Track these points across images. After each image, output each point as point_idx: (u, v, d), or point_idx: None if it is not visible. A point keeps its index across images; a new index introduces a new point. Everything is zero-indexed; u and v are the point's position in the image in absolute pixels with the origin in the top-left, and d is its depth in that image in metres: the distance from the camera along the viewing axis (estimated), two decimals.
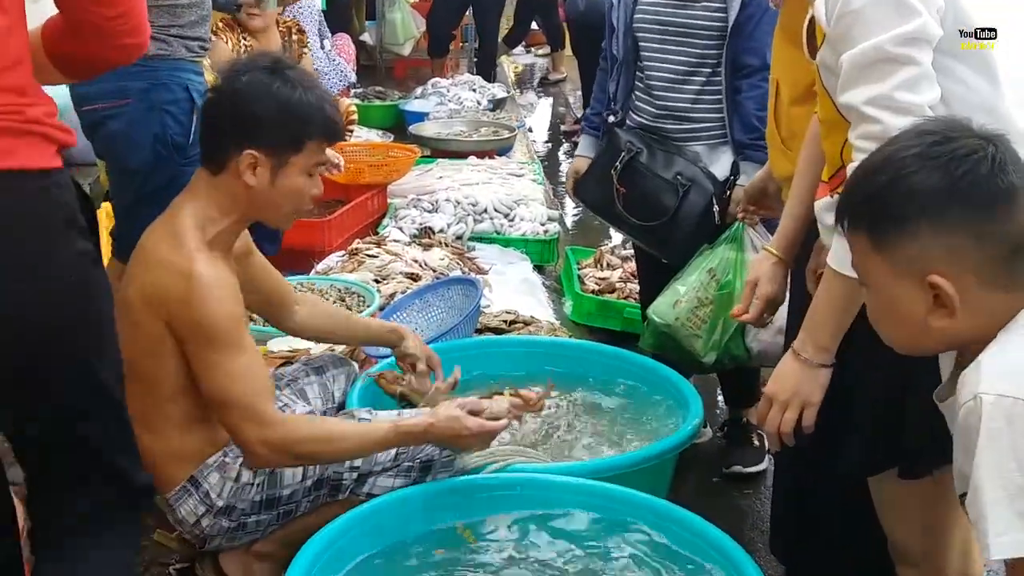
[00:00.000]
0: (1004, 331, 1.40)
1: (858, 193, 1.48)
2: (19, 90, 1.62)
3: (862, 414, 1.95)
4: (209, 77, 2.95)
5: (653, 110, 3.18)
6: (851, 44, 1.71)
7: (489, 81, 8.02)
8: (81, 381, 1.76)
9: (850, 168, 1.69)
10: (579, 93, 8.49)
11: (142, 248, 2.15)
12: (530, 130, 7.91)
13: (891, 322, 1.51)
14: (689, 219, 3.09)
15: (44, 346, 1.68)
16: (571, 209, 6.28)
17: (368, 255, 4.24)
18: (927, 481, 1.93)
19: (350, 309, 3.70)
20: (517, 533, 2.33)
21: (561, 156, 7.79)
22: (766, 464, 3.23)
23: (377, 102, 7.23)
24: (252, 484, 2.23)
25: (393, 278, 4.02)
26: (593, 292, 4.37)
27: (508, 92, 7.98)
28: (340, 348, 3.08)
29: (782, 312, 2.38)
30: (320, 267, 4.22)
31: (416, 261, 4.19)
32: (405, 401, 2.68)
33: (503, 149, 6.38)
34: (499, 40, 9.37)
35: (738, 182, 3.02)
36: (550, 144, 8.15)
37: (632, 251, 4.05)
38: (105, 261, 2.45)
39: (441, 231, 4.72)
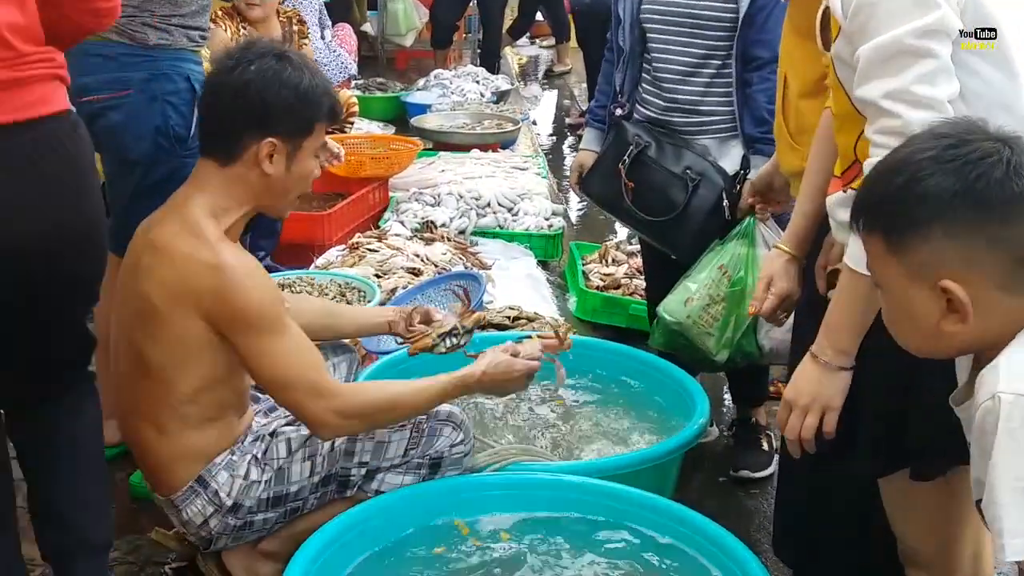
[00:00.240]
0: (1023, 333, 1.40)
1: (873, 195, 1.49)
2: (42, 39, 1.83)
3: (867, 415, 1.95)
4: (208, 67, 2.94)
5: (661, 103, 3.17)
6: (868, 37, 1.70)
7: (493, 73, 8.01)
8: (86, 303, 2.13)
9: (867, 165, 1.69)
10: (584, 85, 8.49)
11: (155, 243, 2.12)
12: (534, 123, 7.90)
13: (905, 325, 1.51)
14: (699, 214, 3.08)
15: (75, 274, 2.02)
16: (576, 203, 6.27)
17: (369, 249, 4.23)
18: (938, 483, 1.93)
19: (350, 303, 3.69)
20: (521, 532, 2.33)
21: (566, 149, 7.79)
22: (774, 467, 3.22)
23: (378, 94, 7.22)
24: (260, 481, 2.23)
25: (394, 273, 4.01)
26: (598, 288, 4.36)
27: (512, 84, 7.98)
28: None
29: None
30: (320, 261, 4.22)
31: (418, 256, 4.19)
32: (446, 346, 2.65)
33: (507, 142, 6.37)
34: (503, 31, 9.36)
35: (748, 176, 3.00)
36: (554, 137, 8.14)
37: (638, 246, 4.04)
38: None
39: (443, 225, 4.72)
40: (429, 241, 4.44)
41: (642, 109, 3.23)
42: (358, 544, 2.23)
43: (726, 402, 3.72)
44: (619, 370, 3.08)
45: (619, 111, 3.28)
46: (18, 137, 1.87)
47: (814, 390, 1.88)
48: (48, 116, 1.92)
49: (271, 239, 4.23)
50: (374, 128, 6.29)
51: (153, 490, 2.29)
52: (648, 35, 3.15)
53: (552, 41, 10.63)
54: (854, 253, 1.76)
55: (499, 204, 4.97)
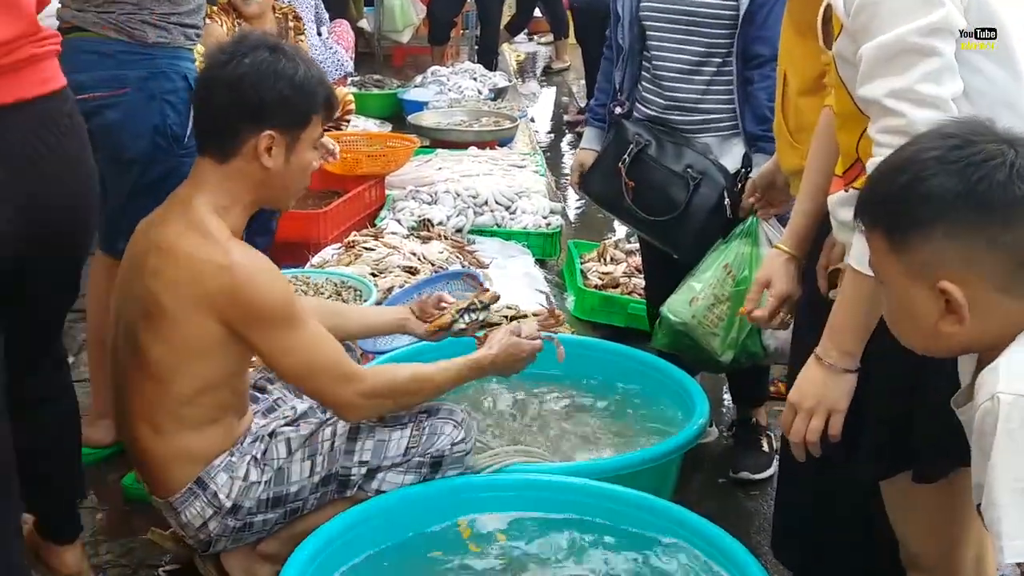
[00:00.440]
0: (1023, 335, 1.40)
1: (877, 193, 1.49)
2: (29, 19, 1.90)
3: (871, 418, 1.94)
4: (201, 63, 2.93)
5: (661, 101, 3.16)
6: (872, 35, 1.70)
7: (490, 69, 8.01)
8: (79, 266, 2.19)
9: (870, 164, 1.69)
10: (583, 82, 8.49)
11: (161, 243, 2.12)
12: (532, 120, 7.90)
13: (904, 323, 1.52)
14: (700, 213, 3.07)
15: (77, 236, 2.11)
16: (574, 202, 6.27)
17: (365, 248, 4.23)
18: (940, 485, 1.93)
19: (346, 303, 3.69)
20: (519, 534, 2.33)
21: (564, 147, 7.79)
22: (774, 469, 3.22)
23: (375, 91, 7.21)
24: (259, 482, 2.23)
25: (391, 272, 4.01)
26: (596, 287, 4.36)
27: (510, 81, 7.98)
28: None
29: None
30: (315, 260, 4.21)
31: (414, 254, 4.18)
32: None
33: (504, 140, 6.37)
34: (501, 27, 9.35)
35: (751, 175, 3.00)
36: (553, 135, 8.14)
37: (637, 245, 4.03)
38: None
39: (440, 223, 4.71)
40: (426, 239, 4.44)
41: (642, 107, 3.23)
42: (356, 545, 2.23)
43: (726, 402, 3.72)
44: (618, 370, 3.08)
45: (619, 109, 3.27)
46: (40, 108, 1.97)
47: (819, 393, 1.87)
48: (57, 91, 2.01)
49: (266, 237, 4.21)
50: (370, 125, 6.28)
51: (151, 492, 2.29)
52: (648, 33, 3.14)
53: (550, 38, 10.63)
54: (857, 253, 1.75)
55: (497, 202, 4.97)
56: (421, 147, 5.76)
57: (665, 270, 3.28)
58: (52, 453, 2.25)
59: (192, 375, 2.14)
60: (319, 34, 6.25)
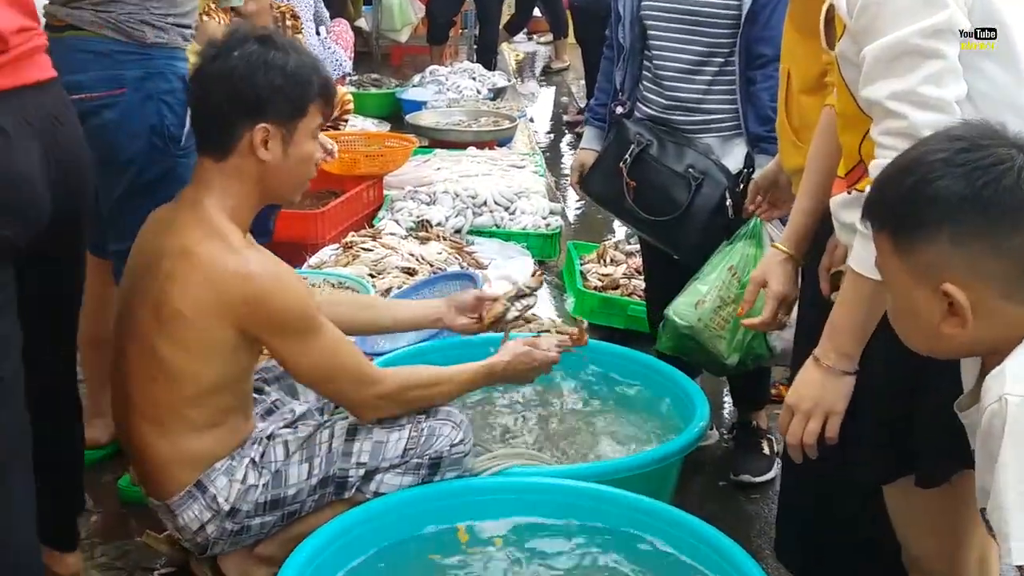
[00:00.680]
0: None
1: (883, 194, 1.50)
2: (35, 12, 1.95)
3: (871, 420, 1.95)
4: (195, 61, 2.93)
5: (663, 101, 3.16)
6: (875, 36, 1.70)
7: (489, 69, 8.01)
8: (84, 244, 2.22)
9: (872, 166, 1.69)
10: (582, 82, 8.49)
11: (177, 248, 2.11)
12: (532, 120, 7.91)
13: (907, 325, 1.53)
14: (702, 214, 3.07)
15: (90, 205, 2.14)
16: (574, 202, 6.27)
17: (363, 248, 4.23)
18: (943, 488, 1.93)
19: None
20: (517, 537, 2.33)
21: (564, 147, 7.79)
22: (775, 472, 3.22)
23: (373, 90, 7.22)
24: (257, 485, 2.23)
25: (389, 272, 4.01)
26: (596, 288, 4.36)
27: (509, 81, 7.98)
28: None
29: None
30: (313, 261, 4.21)
31: (413, 255, 4.18)
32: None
33: (503, 140, 6.37)
34: (500, 27, 9.35)
35: (753, 176, 3.00)
36: (552, 135, 8.14)
37: (637, 246, 4.03)
38: None
39: (439, 224, 4.71)
40: (424, 240, 4.44)
41: (643, 107, 3.23)
42: (353, 548, 2.23)
43: (726, 405, 3.72)
44: (617, 372, 3.08)
45: (620, 109, 3.27)
46: (54, 89, 2.05)
47: (817, 395, 1.87)
48: (57, 77, 2.06)
49: (263, 237, 4.20)
50: (368, 125, 6.28)
51: (148, 494, 2.29)
52: (649, 32, 3.14)
53: (550, 37, 10.63)
54: (859, 255, 1.75)
55: (496, 203, 4.97)
56: (419, 147, 5.76)
57: (666, 272, 3.28)
58: (53, 463, 2.25)
59: (200, 377, 2.15)
60: (318, 34, 6.25)
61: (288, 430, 2.33)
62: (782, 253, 2.30)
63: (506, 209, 4.96)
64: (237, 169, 2.16)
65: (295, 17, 4.93)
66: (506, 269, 4.38)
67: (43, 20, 2.60)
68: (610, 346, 3.25)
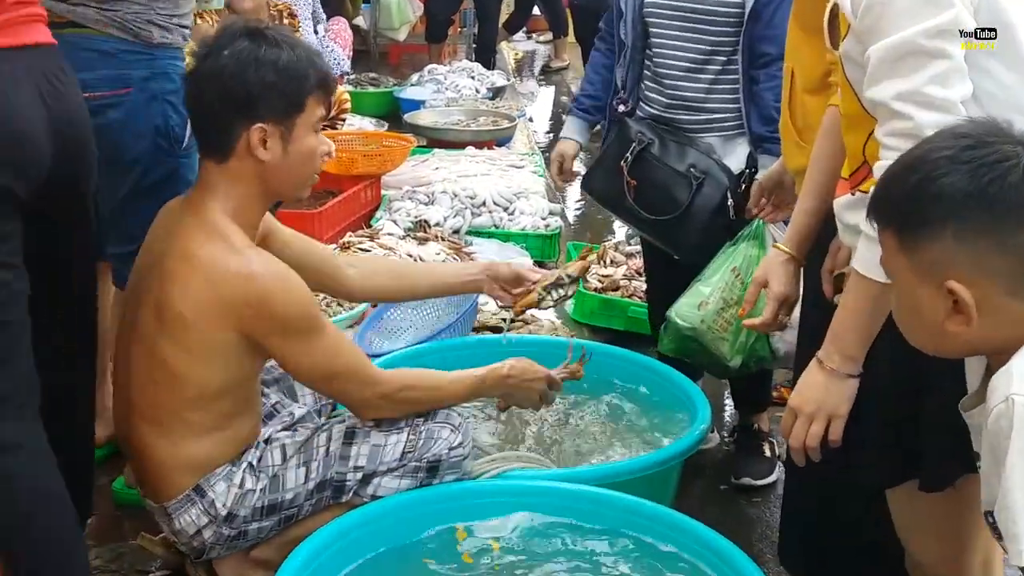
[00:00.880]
0: None
1: (888, 191, 1.50)
2: None
3: (875, 423, 1.95)
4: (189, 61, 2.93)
5: (665, 100, 3.16)
6: (879, 36, 1.70)
7: (488, 68, 8.01)
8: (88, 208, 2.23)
9: (876, 167, 1.69)
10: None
11: (179, 250, 2.11)
12: (531, 120, 7.90)
13: (911, 322, 1.54)
14: (702, 213, 3.07)
15: (91, 167, 2.17)
16: (573, 203, 6.27)
17: (361, 249, 4.23)
18: (947, 492, 1.93)
19: (341, 306, 3.69)
20: (516, 540, 2.33)
21: None
22: (777, 475, 3.22)
23: (371, 89, 7.21)
24: (255, 490, 2.23)
25: None
26: (596, 290, 4.35)
27: (508, 80, 7.98)
28: None
29: None
30: None
31: (411, 256, 4.18)
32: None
33: (502, 139, 6.37)
34: (499, 25, 9.35)
35: (757, 176, 2.99)
36: (552, 135, 8.13)
37: (637, 247, 4.03)
38: None
39: (437, 224, 4.71)
40: (422, 241, 4.44)
41: (645, 106, 3.23)
42: (350, 551, 2.22)
43: (727, 407, 3.72)
44: (618, 374, 3.08)
45: (622, 108, 3.27)
46: (56, 52, 2.10)
47: (820, 397, 1.87)
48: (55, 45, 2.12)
49: None
50: (366, 124, 6.28)
51: (145, 496, 2.28)
52: (651, 30, 3.14)
53: (549, 36, 10.62)
54: (863, 257, 1.75)
55: (495, 203, 4.97)
56: (418, 147, 5.76)
57: (667, 273, 3.28)
58: (66, 463, 2.26)
59: (202, 381, 2.14)
60: (316, 32, 6.25)
61: (286, 433, 2.33)
62: (784, 254, 2.30)
63: (505, 209, 4.96)
64: (238, 171, 2.14)
65: (292, 15, 4.92)
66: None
67: None
68: (610, 348, 3.25)
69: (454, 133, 6.22)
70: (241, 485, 2.22)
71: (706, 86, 3.09)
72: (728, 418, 3.67)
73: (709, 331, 2.91)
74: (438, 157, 5.71)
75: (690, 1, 3.04)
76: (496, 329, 3.69)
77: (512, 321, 3.74)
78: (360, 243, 4.30)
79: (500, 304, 2.81)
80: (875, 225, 1.52)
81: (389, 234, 4.48)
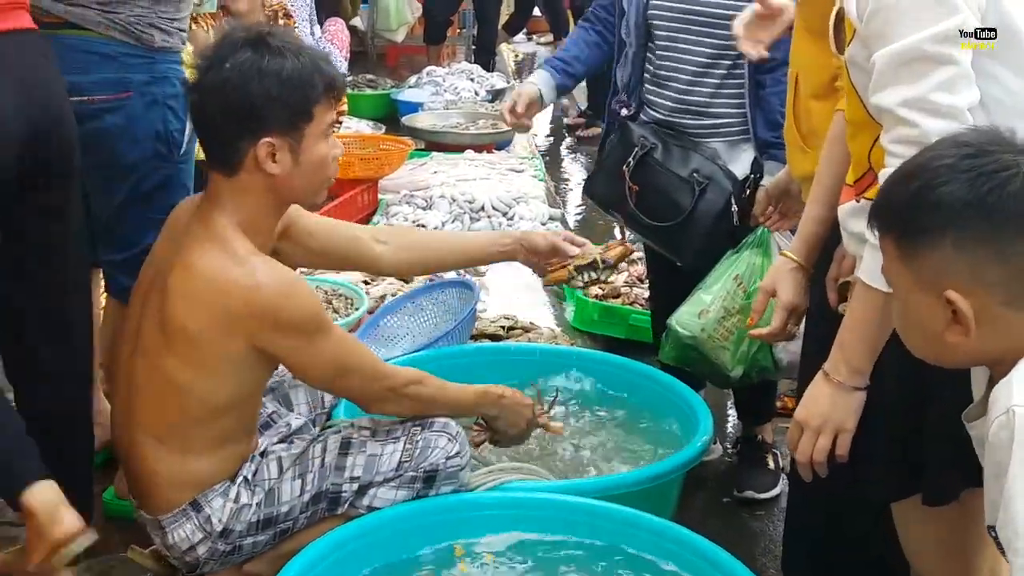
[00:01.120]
0: None
1: (889, 199, 1.51)
2: None
3: (882, 437, 1.94)
4: (187, 59, 2.92)
5: (669, 104, 3.15)
6: (885, 42, 1.70)
7: (488, 70, 8.02)
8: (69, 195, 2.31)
9: (882, 175, 1.69)
10: (583, 85, 8.48)
11: (183, 262, 2.10)
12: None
13: (911, 332, 1.55)
14: (705, 219, 3.06)
15: (68, 156, 2.25)
16: (574, 208, 6.27)
17: None
18: (952, 507, 1.93)
19: (336, 312, 3.68)
20: (514, 553, 2.32)
21: (563, 151, 7.79)
22: (780, 488, 3.21)
23: (368, 91, 7.22)
24: (250, 504, 2.22)
25: (383, 279, 4.00)
26: (596, 297, 4.34)
27: (508, 82, 7.98)
28: None
29: None
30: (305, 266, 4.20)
31: None
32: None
33: (502, 143, 6.37)
34: (499, 27, 9.36)
35: (762, 183, 2.99)
36: (552, 138, 8.14)
37: (640, 254, 4.03)
38: None
39: (436, 229, 4.71)
40: None
41: (648, 110, 3.22)
42: (345, 565, 2.21)
43: (730, 418, 3.71)
44: (619, 384, 3.07)
45: (624, 112, 3.26)
46: (40, 36, 2.21)
47: (826, 411, 1.87)
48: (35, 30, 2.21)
49: None
50: (363, 127, 6.28)
51: (139, 507, 2.27)
52: (655, 33, 3.13)
53: (550, 37, 10.62)
54: (868, 266, 1.75)
55: (494, 208, 4.97)
56: (416, 150, 5.76)
57: (670, 280, 3.27)
58: (57, 459, 2.27)
59: (209, 396, 2.13)
60: (312, 34, 6.24)
61: (282, 446, 2.32)
62: (792, 262, 2.30)
63: (504, 214, 4.96)
64: (248, 184, 2.11)
65: (288, 16, 4.91)
66: (505, 277, 4.39)
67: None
68: (610, 357, 3.25)
69: (453, 136, 6.22)
70: (236, 500, 2.21)
71: (711, 90, 3.09)
72: (731, 429, 3.66)
73: (710, 340, 2.90)
74: (436, 161, 5.71)
75: (696, 4, 3.03)
76: (495, 337, 3.68)
77: (511, 329, 3.75)
78: None
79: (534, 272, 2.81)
80: (876, 233, 1.53)
81: None
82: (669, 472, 2.57)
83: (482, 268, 4.38)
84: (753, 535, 3.09)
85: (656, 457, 2.78)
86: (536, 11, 10.24)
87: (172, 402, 2.14)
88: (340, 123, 5.24)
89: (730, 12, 2.99)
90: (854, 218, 1.88)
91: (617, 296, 4.34)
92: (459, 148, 6.04)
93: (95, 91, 2.55)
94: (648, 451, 2.84)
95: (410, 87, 7.34)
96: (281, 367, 2.29)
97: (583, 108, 8.16)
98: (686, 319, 2.94)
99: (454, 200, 4.94)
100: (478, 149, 6.05)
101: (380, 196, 5.14)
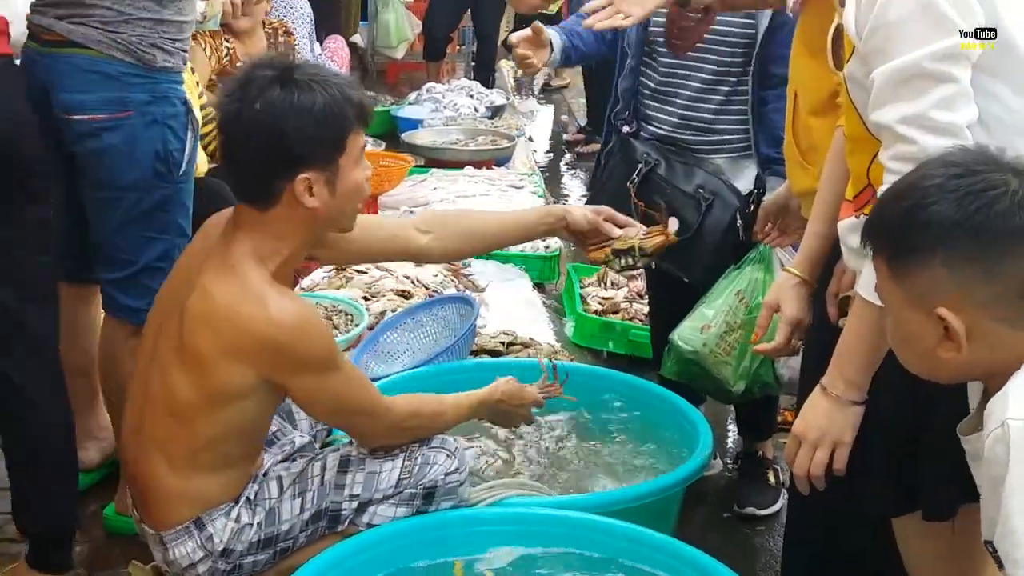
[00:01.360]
0: None
1: (880, 218, 1.55)
2: None
3: (880, 451, 1.95)
4: (187, 78, 2.93)
5: (673, 120, 3.15)
6: (885, 59, 1.71)
7: (487, 87, 8.02)
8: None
9: (881, 191, 1.70)
10: (582, 100, 8.50)
11: (202, 288, 2.10)
12: (530, 139, 7.90)
13: (905, 348, 1.58)
14: (713, 235, 3.05)
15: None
16: None
17: (357, 271, 4.22)
18: (952, 521, 1.92)
19: (336, 328, 3.69)
20: (514, 569, 2.32)
21: (563, 167, 7.79)
22: (781, 503, 3.21)
23: None
24: (252, 524, 2.22)
25: (383, 295, 4.01)
26: (596, 312, 4.36)
27: (507, 99, 7.99)
28: None
29: None
30: (305, 283, 4.21)
31: (408, 278, 4.18)
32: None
33: (502, 159, 6.37)
34: (499, 43, 9.38)
35: (765, 198, 2.99)
36: (552, 154, 8.14)
37: (641, 270, 4.03)
38: None
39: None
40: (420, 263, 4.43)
41: (648, 126, 3.23)
42: None
43: (730, 433, 3.71)
44: (618, 399, 3.07)
45: (626, 128, 3.26)
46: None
47: (824, 424, 1.88)
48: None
49: None
50: None
51: (142, 520, 2.27)
52: (658, 49, 3.12)
53: None
54: (867, 281, 1.76)
55: None
56: (415, 166, 5.77)
57: (670, 295, 3.27)
58: (36, 467, 2.29)
59: (220, 422, 2.13)
60: (312, 51, 6.26)
61: (283, 465, 2.33)
62: (795, 277, 2.30)
63: None
64: (283, 218, 2.10)
65: (288, 33, 4.94)
66: (504, 293, 4.39)
67: (26, 31, 2.63)
68: (610, 372, 3.25)
69: (452, 152, 6.22)
70: (238, 520, 2.21)
71: (716, 107, 3.09)
72: (731, 444, 3.67)
73: (712, 355, 2.90)
74: (436, 177, 5.71)
75: None
76: (494, 352, 3.68)
77: (511, 345, 3.75)
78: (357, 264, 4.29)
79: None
80: (869, 251, 1.55)
81: None
82: (669, 487, 2.57)
83: (481, 283, 4.39)
84: (754, 551, 3.09)
85: (656, 472, 2.78)
86: None
87: (183, 421, 2.13)
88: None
89: (736, 30, 3.00)
90: (853, 233, 1.89)
91: (617, 311, 4.35)
92: (458, 164, 6.04)
93: (95, 109, 2.56)
94: (648, 466, 2.84)
95: (410, 104, 7.34)
96: None
97: (582, 124, 8.18)
98: (688, 334, 2.94)
99: None
100: (477, 165, 6.05)
101: (380, 212, 5.15)
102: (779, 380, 2.92)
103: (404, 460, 2.30)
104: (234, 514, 2.21)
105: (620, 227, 2.65)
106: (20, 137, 2.35)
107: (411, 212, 5.00)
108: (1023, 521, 1.35)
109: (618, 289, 4.55)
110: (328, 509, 2.27)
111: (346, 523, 2.28)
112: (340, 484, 2.27)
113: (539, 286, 4.73)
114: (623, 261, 2.63)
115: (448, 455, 2.33)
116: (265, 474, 2.28)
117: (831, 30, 2.00)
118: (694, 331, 2.94)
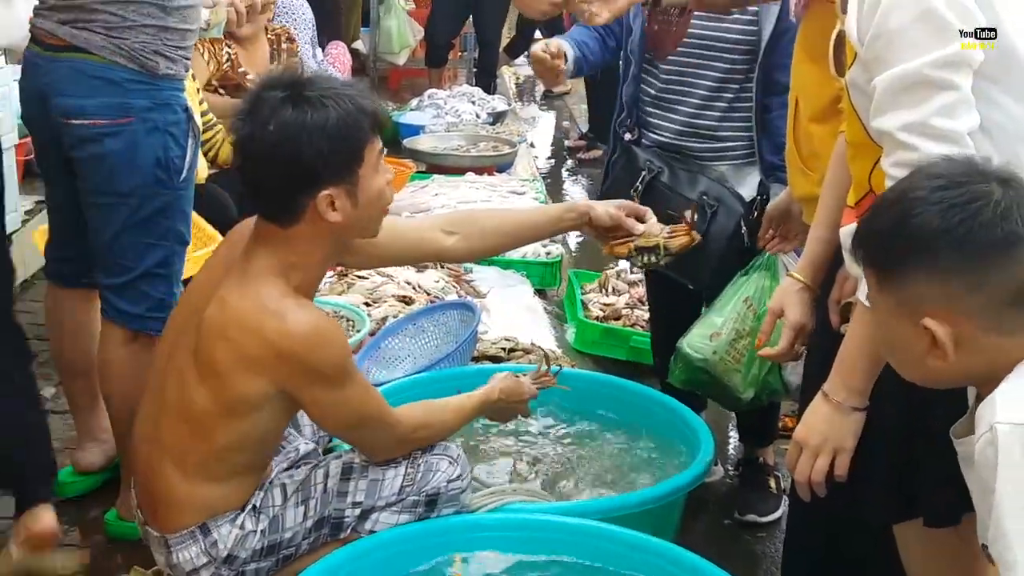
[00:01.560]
0: (1021, 365, 1.47)
1: (869, 229, 1.57)
2: None
3: (881, 459, 1.95)
4: (188, 85, 2.93)
5: (676, 127, 3.15)
6: (886, 66, 1.71)
7: (489, 93, 8.04)
8: None
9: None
10: (584, 107, 8.51)
11: (221, 300, 2.10)
12: (532, 145, 7.92)
13: (896, 356, 1.61)
14: (718, 242, 3.05)
15: None
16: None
17: (358, 276, 4.23)
18: (953, 529, 1.92)
19: None
20: (514, 575, 2.32)
21: (565, 173, 7.80)
22: (782, 510, 3.21)
23: None
24: (256, 531, 2.22)
25: (385, 301, 4.01)
26: (597, 319, 4.36)
27: (509, 105, 8.01)
28: None
29: None
30: None
31: (409, 283, 4.18)
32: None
33: (503, 165, 6.38)
34: (500, 50, 9.39)
35: (769, 204, 2.99)
36: (553, 161, 8.16)
37: (641, 275, 4.04)
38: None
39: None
40: (421, 268, 4.44)
41: (650, 133, 3.23)
42: None
43: (731, 439, 3.71)
44: (620, 406, 3.07)
45: (628, 136, 3.27)
46: None
47: (825, 431, 1.88)
48: None
49: None
50: None
51: (146, 521, 2.26)
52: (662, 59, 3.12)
53: None
54: (867, 288, 1.76)
55: None
56: (417, 172, 5.78)
57: (671, 302, 3.27)
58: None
59: (233, 432, 2.13)
60: (313, 56, 6.28)
61: (287, 472, 2.33)
62: (798, 283, 2.30)
63: None
64: (307, 233, 2.10)
65: (291, 40, 4.94)
66: (506, 299, 4.39)
67: (28, 35, 2.64)
68: (611, 378, 3.26)
69: (454, 159, 6.23)
70: (243, 527, 2.21)
71: (720, 114, 3.09)
72: (732, 451, 3.66)
73: (721, 362, 2.90)
74: (437, 183, 5.72)
75: (706, 31, 3.03)
76: (496, 358, 3.68)
77: (512, 351, 3.75)
78: (358, 270, 4.30)
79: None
80: (859, 262, 1.57)
81: None
82: (671, 493, 2.57)
83: (483, 289, 4.40)
84: (754, 557, 3.09)
85: (657, 479, 2.78)
86: (537, 34, 10.27)
87: (198, 430, 2.14)
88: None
89: (740, 38, 3.01)
90: None
91: (618, 318, 4.35)
92: (460, 170, 6.05)
93: (97, 115, 2.56)
94: (650, 473, 2.84)
95: (412, 110, 7.36)
96: None
97: (584, 131, 8.19)
98: (697, 342, 2.93)
99: None
100: (479, 171, 6.06)
101: None
102: (787, 387, 2.91)
103: (407, 467, 2.30)
104: (239, 521, 2.21)
105: (641, 221, 2.67)
106: None
107: (413, 218, 5.00)
108: (1014, 524, 1.37)
109: (619, 295, 4.55)
110: (331, 516, 2.27)
111: (349, 530, 2.29)
112: (343, 491, 2.27)
113: (540, 292, 4.73)
114: (647, 259, 2.64)
115: (451, 462, 2.33)
116: (270, 482, 2.28)
117: (833, 36, 2.00)
118: (703, 339, 2.93)
